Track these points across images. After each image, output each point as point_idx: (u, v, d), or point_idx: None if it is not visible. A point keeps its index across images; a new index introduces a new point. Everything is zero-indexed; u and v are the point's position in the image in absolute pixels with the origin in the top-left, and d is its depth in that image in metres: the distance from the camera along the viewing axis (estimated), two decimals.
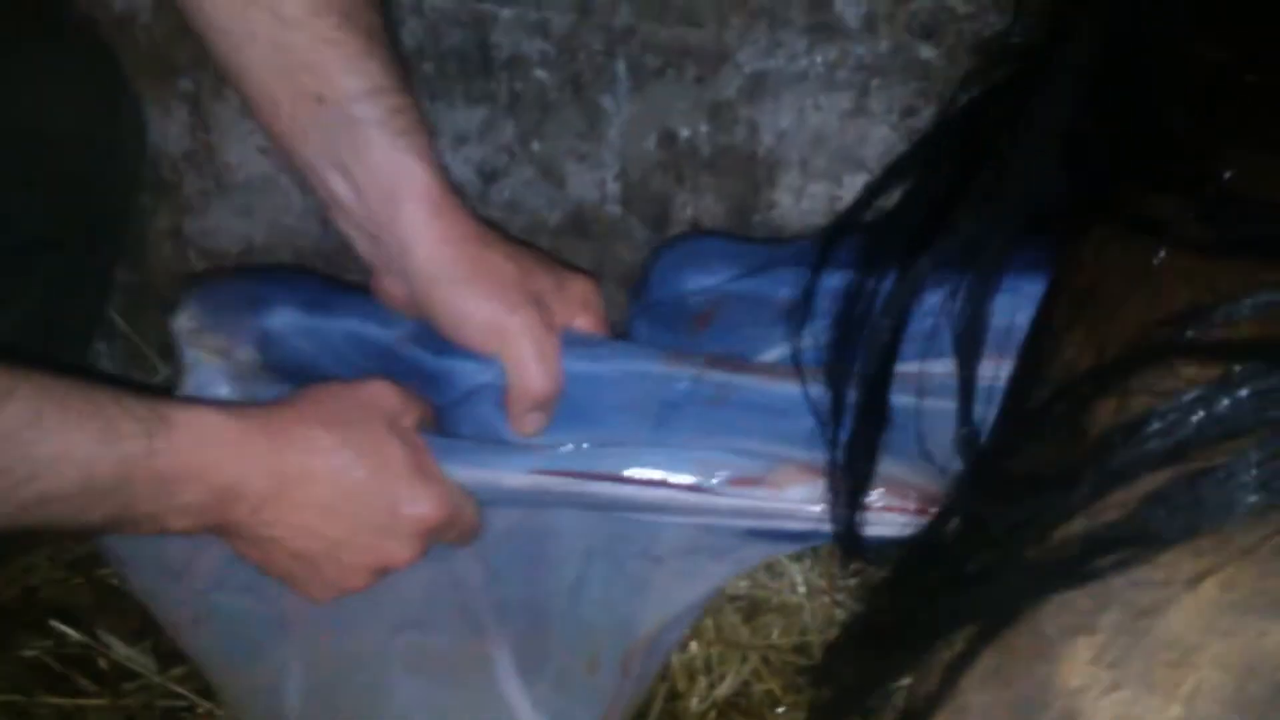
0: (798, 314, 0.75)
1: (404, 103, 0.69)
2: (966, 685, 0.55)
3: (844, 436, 0.71)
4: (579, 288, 0.75)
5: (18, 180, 0.83)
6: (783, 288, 0.77)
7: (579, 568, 0.75)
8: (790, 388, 0.73)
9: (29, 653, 0.88)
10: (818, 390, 0.73)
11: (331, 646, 0.74)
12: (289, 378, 0.74)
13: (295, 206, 0.95)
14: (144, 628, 0.92)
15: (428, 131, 0.70)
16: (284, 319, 0.75)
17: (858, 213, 0.82)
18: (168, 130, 0.94)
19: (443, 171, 0.70)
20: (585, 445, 0.71)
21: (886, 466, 0.71)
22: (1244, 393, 0.50)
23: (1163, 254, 0.60)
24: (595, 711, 0.76)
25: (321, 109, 0.67)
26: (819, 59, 0.83)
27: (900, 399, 0.72)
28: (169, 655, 0.90)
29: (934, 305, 0.71)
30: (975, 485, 0.67)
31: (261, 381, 0.74)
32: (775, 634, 0.89)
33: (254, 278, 0.81)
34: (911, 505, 0.71)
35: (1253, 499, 0.48)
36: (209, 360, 0.74)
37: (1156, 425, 0.51)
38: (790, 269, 0.78)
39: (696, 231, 0.90)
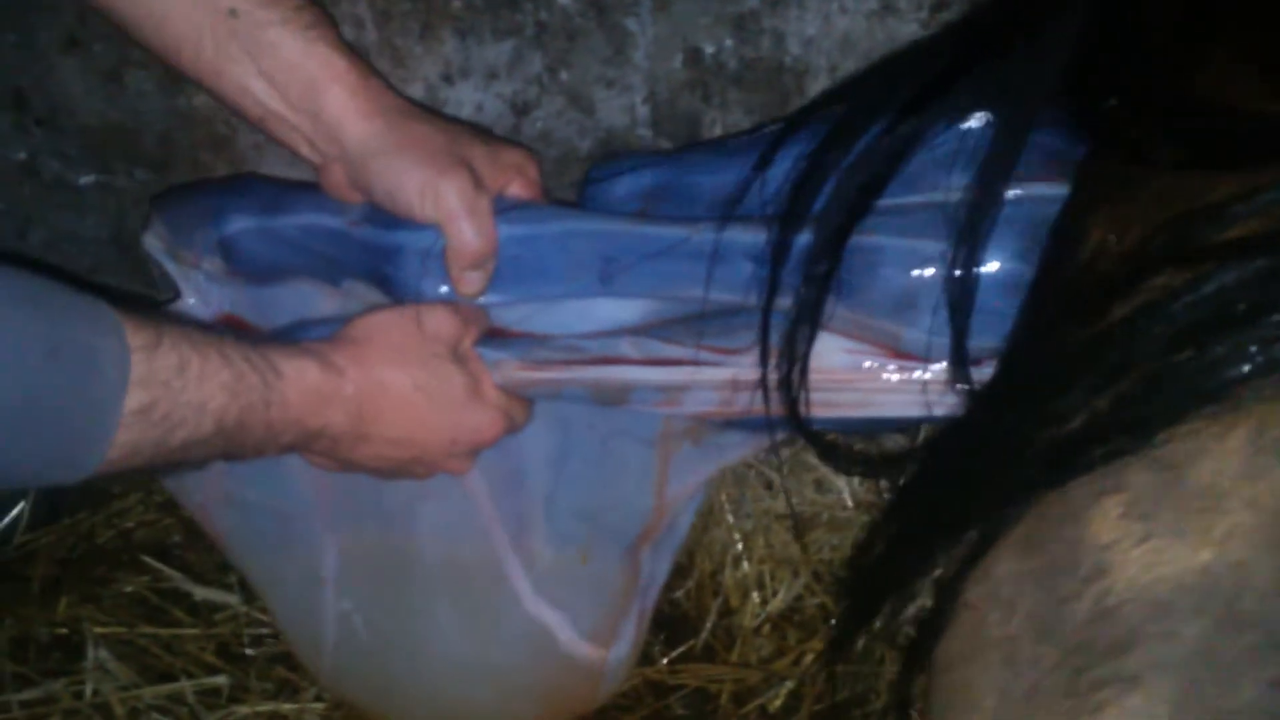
0: (760, 165, 0.73)
1: (303, 2, 0.73)
2: (995, 557, 0.54)
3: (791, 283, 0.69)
4: (512, 155, 0.77)
5: None
6: (707, 177, 0.76)
7: (559, 437, 0.77)
8: (731, 235, 0.72)
9: (128, 588, 0.95)
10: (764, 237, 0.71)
11: (361, 521, 0.80)
12: (257, 277, 0.78)
13: None
14: (230, 563, 0.98)
15: (332, 23, 0.74)
16: (239, 225, 0.78)
17: (856, 83, 0.79)
18: None
19: (356, 55, 0.74)
20: (536, 303, 0.74)
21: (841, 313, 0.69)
22: (1249, 276, 0.49)
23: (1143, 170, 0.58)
24: (599, 601, 0.79)
25: (236, 22, 0.71)
26: None
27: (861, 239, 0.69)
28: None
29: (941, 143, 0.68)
30: (1017, 369, 0.65)
31: (235, 284, 0.79)
32: (826, 549, 0.90)
33: (208, 191, 0.83)
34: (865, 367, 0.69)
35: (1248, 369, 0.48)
36: (189, 270, 0.79)
37: (1167, 312, 0.51)
38: (714, 161, 0.76)
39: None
